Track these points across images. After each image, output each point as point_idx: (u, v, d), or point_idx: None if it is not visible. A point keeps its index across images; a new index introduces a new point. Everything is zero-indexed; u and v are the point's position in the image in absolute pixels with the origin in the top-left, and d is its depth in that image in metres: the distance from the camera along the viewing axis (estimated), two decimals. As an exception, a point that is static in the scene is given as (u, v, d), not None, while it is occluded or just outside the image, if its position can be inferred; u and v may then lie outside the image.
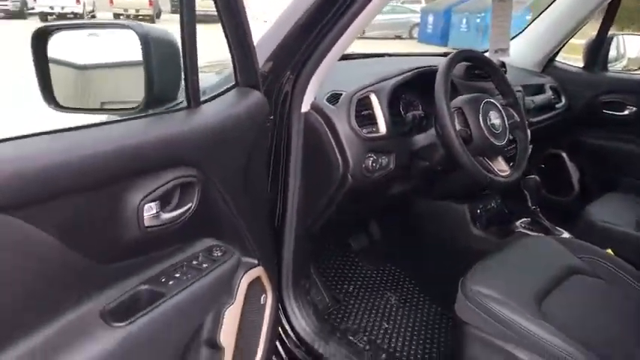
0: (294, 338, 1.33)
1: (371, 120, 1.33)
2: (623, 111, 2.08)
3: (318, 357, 1.33)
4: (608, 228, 1.69)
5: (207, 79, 1.20)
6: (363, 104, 1.32)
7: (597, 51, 2.10)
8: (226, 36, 1.00)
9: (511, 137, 1.41)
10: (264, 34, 1.22)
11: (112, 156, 0.70)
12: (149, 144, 0.77)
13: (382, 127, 1.32)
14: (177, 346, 0.84)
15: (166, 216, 0.81)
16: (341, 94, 1.31)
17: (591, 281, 1.30)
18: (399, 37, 15.66)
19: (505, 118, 1.37)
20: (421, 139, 1.38)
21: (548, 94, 2.02)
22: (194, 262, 0.91)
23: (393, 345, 1.56)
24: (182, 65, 0.84)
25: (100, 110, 0.88)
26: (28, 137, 0.64)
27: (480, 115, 1.29)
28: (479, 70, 1.62)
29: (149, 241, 0.80)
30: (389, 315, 1.70)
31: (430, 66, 1.46)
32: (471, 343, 1.17)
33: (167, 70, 0.82)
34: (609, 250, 1.59)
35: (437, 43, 13.48)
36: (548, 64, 2.20)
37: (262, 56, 1.18)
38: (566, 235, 1.62)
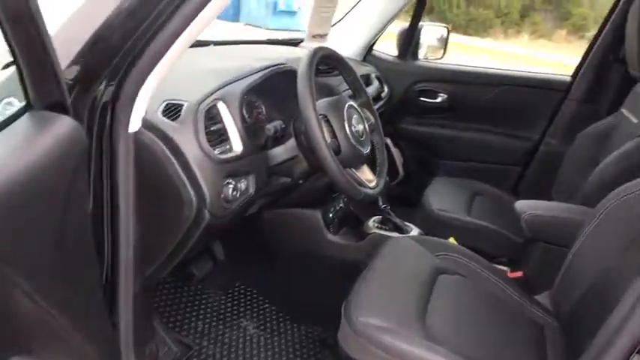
0: None
1: (222, 136, 1.06)
2: (436, 98, 2.20)
3: None
4: (444, 216, 1.75)
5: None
6: (210, 116, 1.05)
7: (410, 40, 2.17)
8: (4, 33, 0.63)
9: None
10: (62, 26, 0.84)
11: None
12: None
13: (237, 145, 1.07)
14: None
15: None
16: (181, 105, 1.01)
17: (454, 280, 1.30)
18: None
19: (365, 122, 1.25)
20: (280, 153, 1.18)
21: (376, 84, 2.01)
22: None
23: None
24: None
25: None
26: None
27: (345, 121, 1.15)
28: (322, 66, 1.47)
29: None
30: (250, 348, 1.49)
31: (281, 64, 1.25)
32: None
33: None
34: (452, 239, 1.65)
35: (228, 18, 13.14)
36: (367, 54, 2.19)
37: (63, 59, 0.81)
38: (415, 230, 1.62)
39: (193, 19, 0.80)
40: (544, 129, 2.08)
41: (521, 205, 1.48)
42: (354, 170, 1.20)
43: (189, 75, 1.14)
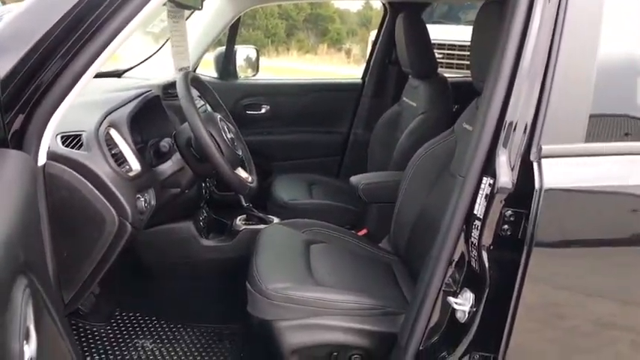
0: None
1: (120, 158, 1.18)
2: (260, 110, 2.52)
3: None
4: (295, 204, 2.09)
5: None
6: (106, 142, 1.15)
7: (228, 62, 2.44)
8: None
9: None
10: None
11: None
12: None
13: (135, 164, 1.20)
14: None
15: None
16: (79, 135, 1.10)
17: (322, 247, 1.63)
18: None
19: (232, 131, 1.49)
20: (168, 167, 1.33)
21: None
22: None
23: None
24: None
25: None
26: None
27: (222, 131, 1.36)
28: (172, 90, 1.64)
29: None
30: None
31: (148, 91, 1.39)
32: (289, 334, 1.28)
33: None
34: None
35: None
36: (191, 78, 2.38)
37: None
38: (276, 220, 1.90)
39: (105, 48, 0.93)
40: (350, 122, 2.59)
41: (355, 179, 1.90)
42: (234, 171, 1.42)
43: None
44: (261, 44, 13.99)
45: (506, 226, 0.99)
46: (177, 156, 1.33)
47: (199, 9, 1.70)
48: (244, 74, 2.59)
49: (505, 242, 1.00)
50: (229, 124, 1.53)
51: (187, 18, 2.25)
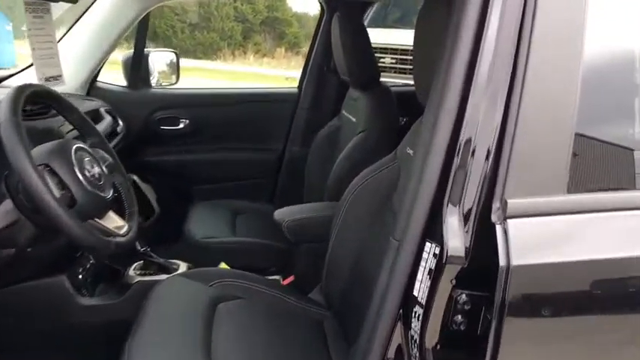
0: None
1: None
2: (178, 125, 2.13)
3: None
4: (211, 243, 1.71)
5: None
6: None
7: (138, 68, 2.05)
8: None
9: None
10: None
11: None
12: None
13: None
14: None
15: None
16: None
17: (233, 305, 1.28)
18: None
19: (101, 164, 1.11)
20: None
21: (108, 119, 1.81)
22: None
23: None
24: None
25: None
26: None
27: (76, 167, 0.98)
28: (33, 107, 1.25)
29: None
30: None
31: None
32: None
33: None
34: (223, 264, 1.62)
35: None
36: (92, 86, 1.97)
37: None
38: (183, 266, 1.53)
39: None
40: (285, 139, 2.23)
41: (279, 213, 1.54)
42: (97, 220, 1.04)
43: None
44: (217, 47, 13.59)
45: (459, 317, 0.67)
46: (7, 205, 0.94)
47: (73, 2, 1.32)
48: (167, 81, 2.21)
49: (458, 340, 0.68)
50: (100, 154, 1.15)
51: (85, 12, 1.85)
